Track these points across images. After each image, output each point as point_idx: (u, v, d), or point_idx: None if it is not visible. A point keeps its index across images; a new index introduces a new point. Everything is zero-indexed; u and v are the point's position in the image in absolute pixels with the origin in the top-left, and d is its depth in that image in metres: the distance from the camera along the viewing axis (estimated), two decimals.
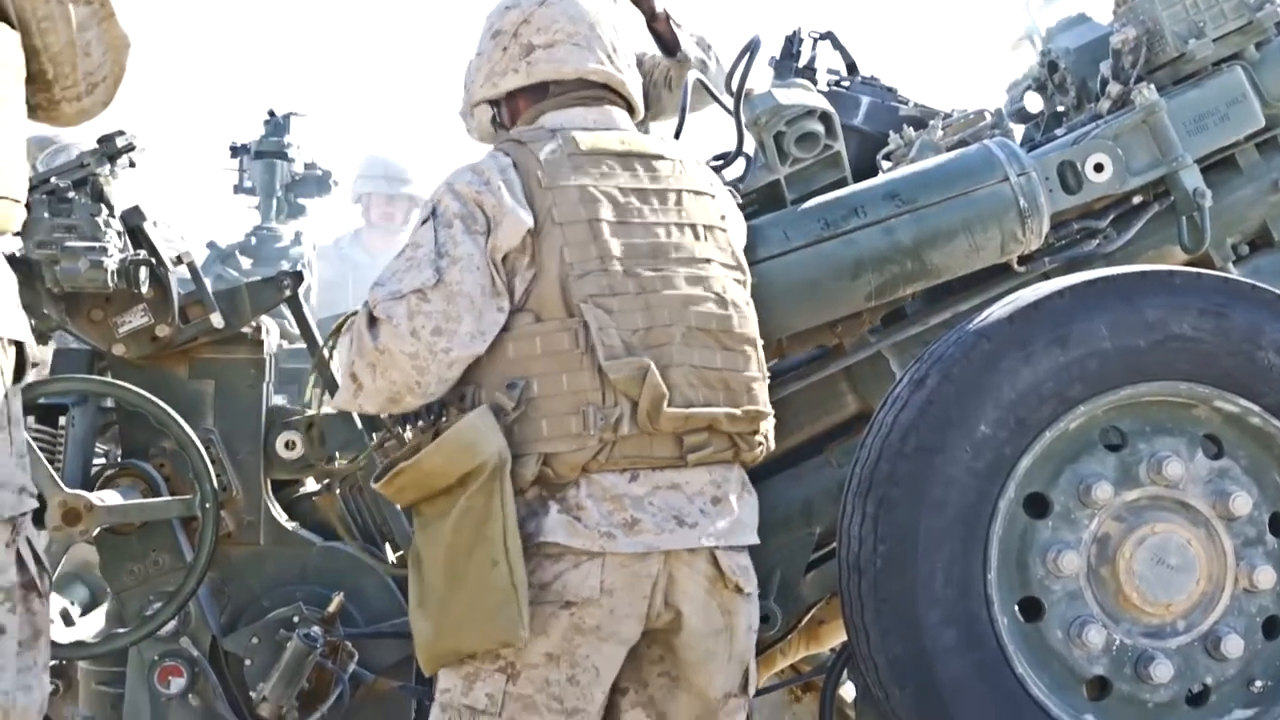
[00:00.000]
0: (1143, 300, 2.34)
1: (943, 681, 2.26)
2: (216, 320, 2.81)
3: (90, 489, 2.76)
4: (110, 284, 2.68)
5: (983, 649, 2.28)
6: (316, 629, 2.72)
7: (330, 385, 2.67)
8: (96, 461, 2.90)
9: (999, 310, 2.37)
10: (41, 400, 2.75)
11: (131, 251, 2.74)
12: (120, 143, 2.77)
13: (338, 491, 2.93)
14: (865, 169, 2.90)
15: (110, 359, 2.83)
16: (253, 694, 2.74)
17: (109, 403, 2.90)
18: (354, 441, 2.83)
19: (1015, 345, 2.31)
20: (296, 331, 3.02)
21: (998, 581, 2.31)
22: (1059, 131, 2.92)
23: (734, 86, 2.75)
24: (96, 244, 2.69)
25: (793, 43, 3.14)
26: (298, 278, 2.92)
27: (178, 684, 2.77)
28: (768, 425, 2.37)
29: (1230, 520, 2.37)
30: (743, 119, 2.72)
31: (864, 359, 2.78)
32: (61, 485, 2.68)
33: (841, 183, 2.78)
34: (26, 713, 1.83)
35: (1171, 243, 2.78)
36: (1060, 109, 3.07)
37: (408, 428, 2.35)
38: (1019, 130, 3.06)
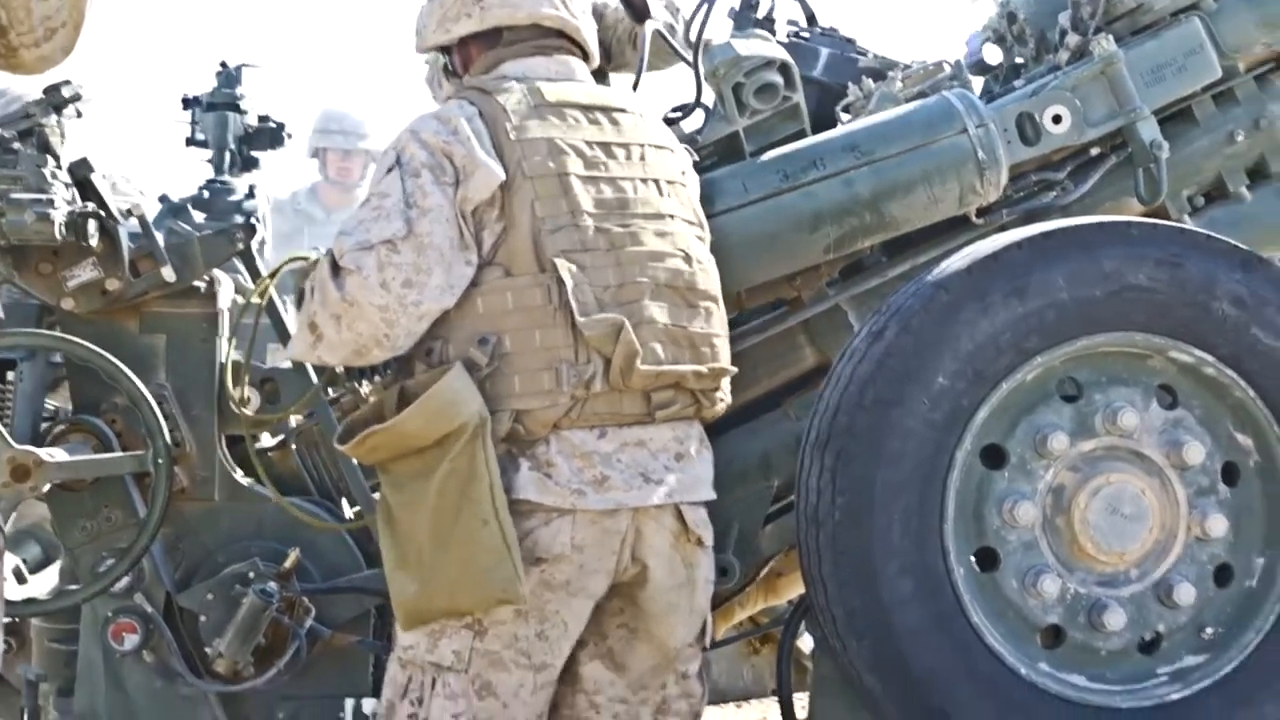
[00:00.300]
0: (1100, 251, 2.34)
1: (899, 632, 2.28)
2: (168, 274, 2.77)
3: (40, 445, 2.72)
4: (58, 237, 2.63)
5: (939, 599, 2.29)
6: (272, 584, 2.70)
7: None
8: (46, 418, 2.86)
9: (957, 262, 2.37)
10: None
11: (80, 204, 2.69)
12: (66, 93, 2.72)
13: (294, 447, 2.92)
14: (824, 121, 2.88)
15: (59, 313, 2.78)
16: (208, 650, 2.72)
17: (58, 358, 2.86)
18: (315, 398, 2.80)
19: (973, 297, 2.31)
20: (251, 285, 2.98)
21: (954, 532, 2.32)
22: (1018, 83, 2.91)
23: (692, 37, 2.72)
24: (43, 196, 2.63)
25: None
26: (250, 230, 2.88)
27: (131, 641, 2.74)
28: (727, 382, 2.36)
29: (1183, 469, 2.39)
30: (701, 70, 2.70)
31: (822, 312, 2.78)
32: (10, 441, 2.64)
33: (800, 135, 2.77)
34: None
35: (1128, 194, 2.79)
36: (1019, 60, 3.07)
37: (363, 382, 2.32)
38: (978, 82, 3.05)
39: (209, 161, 5.52)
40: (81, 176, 2.71)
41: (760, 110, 2.75)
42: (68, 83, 2.73)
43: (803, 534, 2.37)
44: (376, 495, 2.48)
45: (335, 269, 2.21)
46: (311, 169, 6.40)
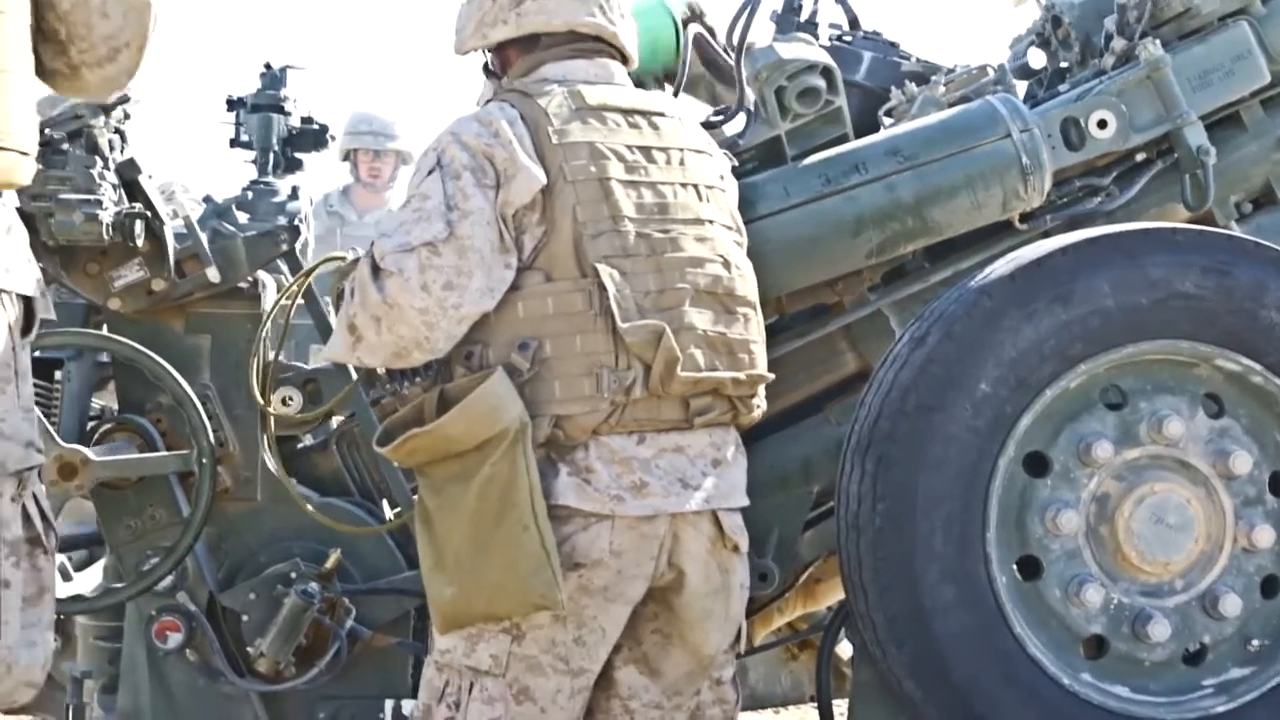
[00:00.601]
0: (1145, 258, 2.32)
1: (940, 639, 2.27)
2: (213, 275, 2.80)
3: (86, 444, 2.75)
4: (105, 237, 2.66)
5: (981, 607, 2.28)
6: (314, 585, 2.72)
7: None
8: (92, 416, 2.89)
9: (1001, 268, 2.35)
10: (37, 354, 2.74)
11: (127, 204, 2.72)
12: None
13: (335, 447, 2.94)
14: (867, 125, 2.87)
15: (106, 313, 2.81)
16: (250, 649, 2.75)
17: (105, 357, 2.89)
18: (351, 397, 2.81)
19: (1017, 303, 2.30)
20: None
21: (996, 540, 2.31)
22: (1062, 87, 2.89)
23: (735, 41, 2.72)
24: (91, 196, 2.66)
25: None
26: (294, 232, 2.90)
27: (175, 639, 2.76)
28: (764, 389, 2.36)
29: (1230, 479, 2.36)
30: (743, 74, 2.69)
31: (864, 317, 2.77)
32: (58, 440, 2.67)
33: (843, 139, 2.76)
34: (30, 669, 1.82)
35: (1175, 200, 2.76)
36: (1064, 65, 3.04)
37: (405, 384, 2.33)
38: (1022, 86, 3.02)
39: (253, 163, 5.56)
40: (129, 177, 2.74)
41: (802, 114, 2.74)
42: None
43: (843, 540, 2.36)
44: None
45: (375, 270, 2.21)
46: (344, 172, 6.44)
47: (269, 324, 2.68)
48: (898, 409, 2.30)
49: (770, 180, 2.66)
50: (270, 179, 5.38)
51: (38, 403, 2.68)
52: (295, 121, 5.50)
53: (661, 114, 2.36)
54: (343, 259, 2.48)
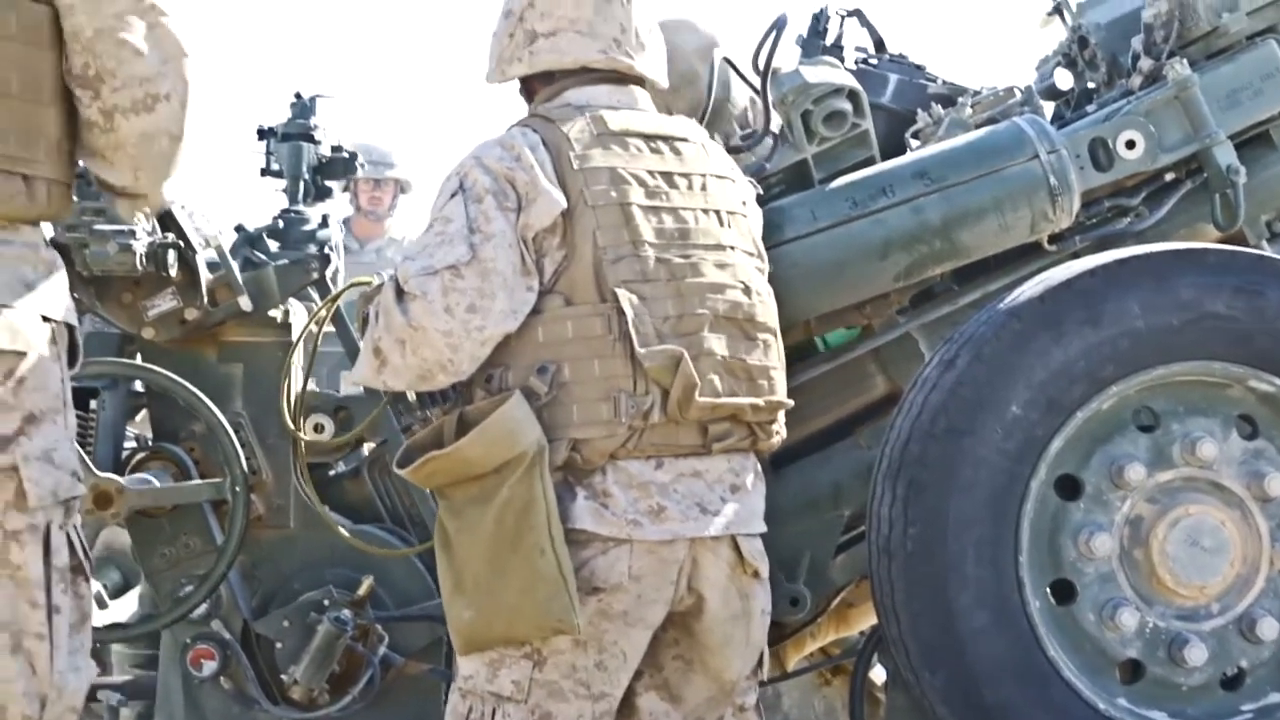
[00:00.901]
0: (1176, 279, 2.31)
1: (974, 664, 2.25)
2: (245, 303, 2.82)
3: (121, 472, 2.77)
4: (139, 267, 2.69)
5: (1014, 632, 2.27)
6: (347, 612, 2.73)
7: None
8: (127, 445, 2.92)
9: (1030, 289, 2.34)
10: (72, 384, 2.76)
11: (160, 235, 2.75)
12: None
13: (366, 474, 2.95)
14: (893, 147, 2.87)
15: (140, 342, 2.84)
16: (284, 677, 2.76)
17: (139, 386, 2.91)
18: (382, 425, 2.83)
19: (1046, 325, 2.29)
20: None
21: (1029, 564, 2.29)
22: (1090, 108, 2.88)
23: (761, 64, 2.72)
24: (125, 227, 2.69)
25: (820, 20, 3.11)
26: (325, 260, 2.92)
27: (210, 667, 2.78)
28: (783, 415, 2.36)
29: (1265, 501, 2.34)
30: (769, 97, 2.70)
31: (893, 340, 2.76)
32: (93, 469, 2.70)
33: (869, 161, 2.76)
34: (76, 694, 1.86)
35: (1205, 220, 2.75)
36: (1091, 85, 3.04)
37: (434, 410, 2.34)
38: (1049, 107, 3.02)
39: (283, 191, 5.61)
40: None
41: (829, 137, 2.75)
42: None
43: (875, 564, 2.35)
44: None
45: (400, 294, 2.22)
46: (343, 202, 6.52)
47: (298, 350, 2.70)
48: (928, 432, 2.29)
49: (797, 204, 2.67)
50: (301, 207, 5.42)
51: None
52: (325, 150, 5.55)
53: (684, 139, 2.36)
54: (368, 283, 2.50)
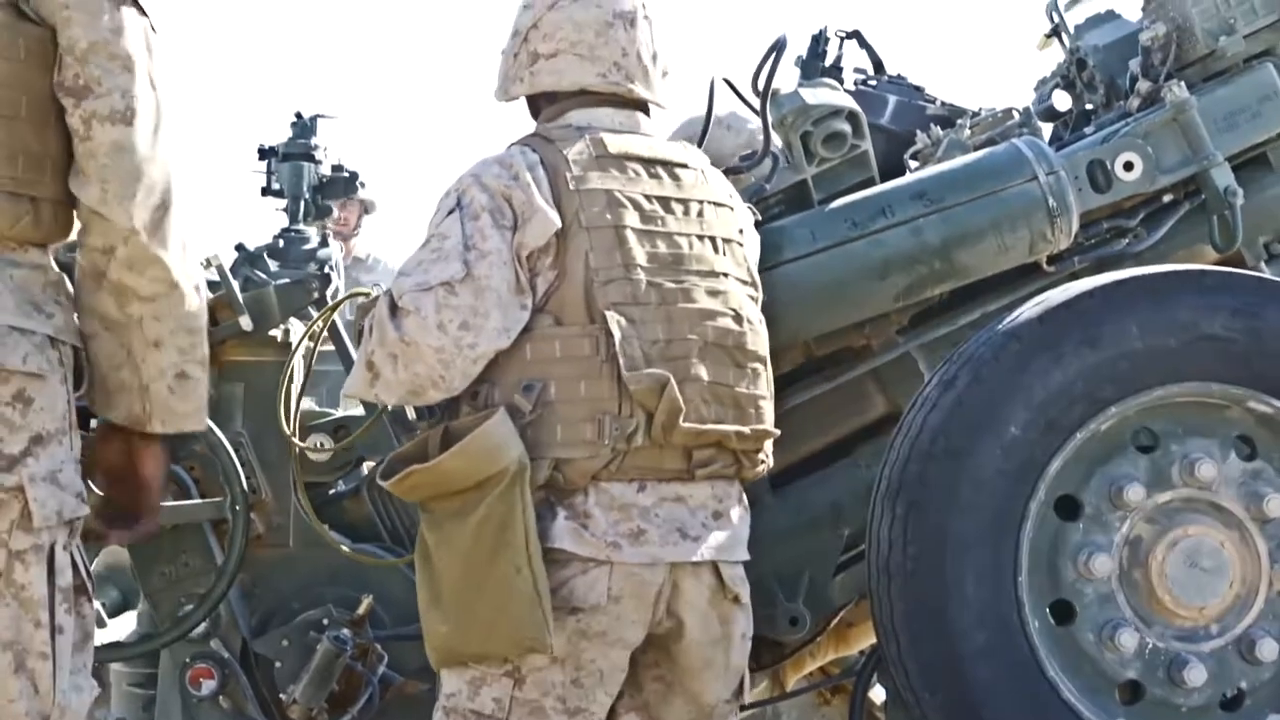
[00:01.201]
0: (1174, 300, 2.32)
1: (974, 685, 2.25)
2: (245, 323, 2.82)
3: None
4: None
5: (1014, 652, 2.27)
6: (346, 631, 2.72)
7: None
8: None
9: (1029, 310, 2.35)
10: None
11: None
12: None
13: (365, 493, 2.95)
14: (893, 168, 2.88)
15: None
16: (283, 696, 2.75)
17: None
18: (382, 443, 2.83)
19: (1045, 346, 2.30)
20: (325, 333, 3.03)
21: (1028, 584, 2.29)
22: (1088, 130, 2.90)
23: (760, 86, 2.74)
24: None
25: (819, 42, 3.13)
26: (325, 280, 2.93)
27: (209, 686, 2.78)
28: (770, 444, 2.36)
29: (1264, 522, 2.35)
30: (769, 119, 2.71)
31: (892, 360, 2.77)
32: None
33: (869, 182, 2.77)
34: (78, 714, 1.86)
35: (1203, 241, 2.76)
36: (1089, 107, 3.05)
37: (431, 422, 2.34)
38: (1047, 129, 3.04)
39: (284, 210, 5.64)
40: None
41: (828, 159, 2.76)
42: None
43: (874, 584, 2.36)
44: None
45: (394, 309, 2.23)
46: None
47: (294, 362, 2.70)
48: (927, 453, 2.29)
49: (797, 224, 2.68)
50: (301, 226, 5.45)
51: None
52: (326, 170, 5.58)
53: (684, 165, 2.37)
54: (365, 295, 2.51)
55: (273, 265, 5.11)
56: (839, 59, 3.13)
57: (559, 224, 2.23)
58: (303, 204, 5.49)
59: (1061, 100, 3.08)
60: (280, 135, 5.69)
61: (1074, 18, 3.14)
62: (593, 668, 2.22)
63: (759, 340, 2.35)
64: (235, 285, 2.84)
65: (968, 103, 3.06)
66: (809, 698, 3.26)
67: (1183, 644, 2.33)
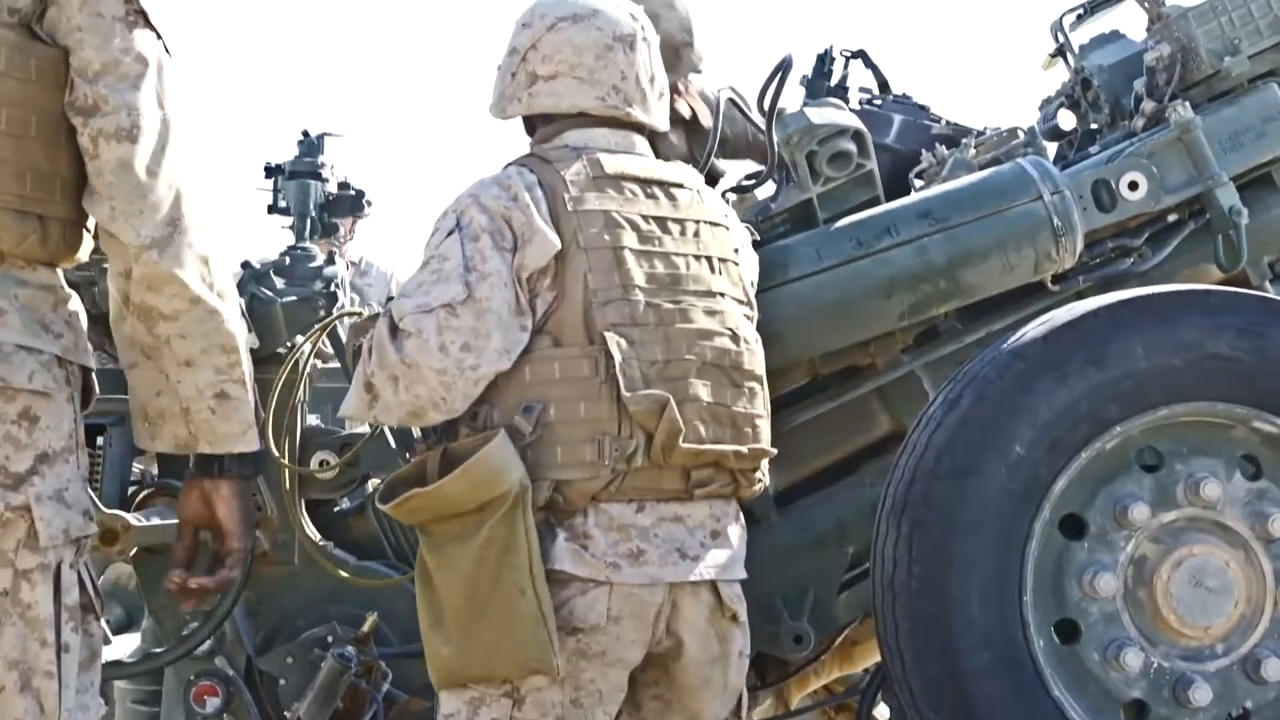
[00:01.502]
0: (1179, 320, 2.32)
1: (978, 704, 2.25)
2: (251, 341, 2.82)
3: (127, 509, 2.78)
4: None
5: (1019, 671, 2.26)
6: (351, 649, 2.72)
7: None
8: (133, 482, 2.92)
9: (1033, 330, 2.35)
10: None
11: None
12: None
13: (371, 511, 2.96)
14: (898, 187, 2.89)
15: None
16: (287, 714, 2.75)
17: None
18: (388, 461, 2.83)
19: (1050, 365, 2.30)
20: (331, 351, 3.04)
21: (1034, 603, 2.29)
22: (1093, 149, 2.90)
23: (766, 105, 2.75)
24: None
25: (824, 61, 3.14)
26: (332, 298, 2.93)
27: (213, 703, 2.78)
28: (767, 463, 2.37)
29: (1269, 542, 2.34)
30: (775, 138, 2.72)
31: (897, 378, 2.77)
32: (99, 505, 2.70)
33: (874, 201, 2.78)
34: None
35: (1207, 261, 2.77)
36: (1094, 126, 3.06)
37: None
38: (1052, 148, 3.04)
39: (290, 228, 5.65)
40: None
41: (834, 178, 2.76)
42: None
43: (879, 603, 2.35)
44: None
45: (394, 330, 2.22)
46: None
47: (285, 378, 2.71)
48: (932, 472, 2.29)
49: (802, 243, 2.68)
50: (308, 244, 5.46)
51: None
52: (332, 187, 5.59)
53: (680, 185, 2.37)
54: (359, 314, 2.51)
55: (279, 283, 5.11)
56: (844, 78, 3.14)
57: (558, 245, 2.23)
58: (309, 222, 5.50)
59: (1066, 120, 3.09)
60: (287, 153, 5.71)
61: (1079, 37, 3.15)
62: (592, 688, 2.22)
63: (755, 359, 2.35)
64: (241, 303, 2.84)
65: (973, 122, 3.07)
66: (813, 716, 3.25)
67: (1188, 663, 2.33)
